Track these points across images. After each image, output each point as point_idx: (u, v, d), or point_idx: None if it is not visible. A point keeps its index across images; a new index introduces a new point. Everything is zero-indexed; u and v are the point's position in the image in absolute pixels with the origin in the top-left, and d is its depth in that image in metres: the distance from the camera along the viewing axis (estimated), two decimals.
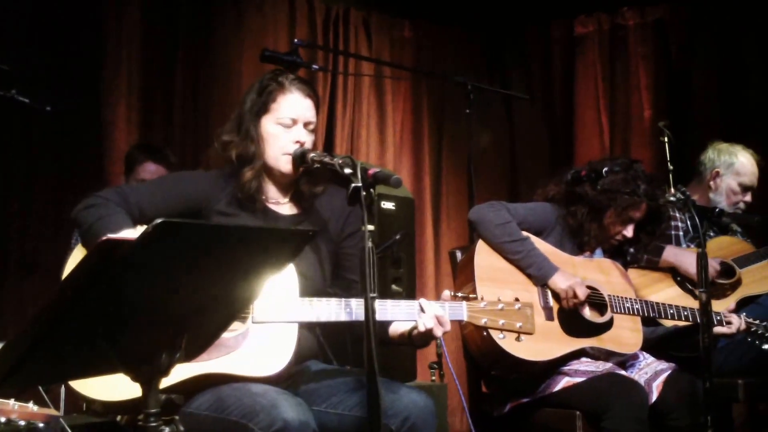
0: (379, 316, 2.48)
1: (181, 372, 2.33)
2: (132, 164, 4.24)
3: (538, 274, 3.28)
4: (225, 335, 2.42)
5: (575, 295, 3.23)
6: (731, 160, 4.22)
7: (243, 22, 5.29)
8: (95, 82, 4.75)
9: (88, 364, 1.84)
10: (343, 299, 2.52)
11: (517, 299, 2.66)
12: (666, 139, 3.98)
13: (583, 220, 3.43)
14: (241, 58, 5.20)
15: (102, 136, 4.73)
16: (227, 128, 2.78)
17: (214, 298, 1.83)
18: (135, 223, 2.55)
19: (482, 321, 2.60)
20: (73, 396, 2.56)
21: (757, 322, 3.54)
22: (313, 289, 2.61)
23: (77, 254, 2.55)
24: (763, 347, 3.52)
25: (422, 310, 2.52)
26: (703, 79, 5.69)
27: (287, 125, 2.69)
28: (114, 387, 2.26)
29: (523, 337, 2.63)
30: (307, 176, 2.75)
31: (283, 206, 2.78)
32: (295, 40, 3.70)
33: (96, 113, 4.74)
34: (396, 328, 2.65)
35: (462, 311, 2.59)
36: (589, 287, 3.31)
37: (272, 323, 2.49)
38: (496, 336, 2.72)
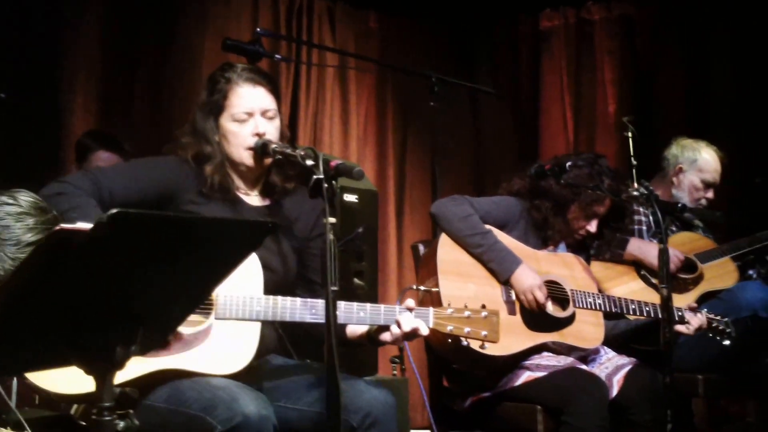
0: (345, 320, 2.48)
1: (141, 367, 2.29)
2: (84, 153, 4.12)
3: (500, 269, 3.27)
4: (186, 330, 2.39)
5: (535, 299, 3.24)
6: (694, 156, 4.23)
7: (206, 9, 5.22)
8: (53, 69, 4.66)
9: (41, 357, 1.79)
10: (308, 299, 2.49)
11: (484, 306, 2.65)
12: (630, 135, 3.98)
13: (547, 215, 3.43)
14: (203, 46, 5.13)
15: (59, 124, 4.64)
16: (185, 129, 2.74)
17: (171, 290, 1.79)
18: (105, 209, 2.48)
19: (448, 328, 2.60)
20: (27, 388, 2.50)
21: (718, 317, 3.56)
22: (278, 282, 2.59)
23: None
24: (723, 343, 3.54)
25: (399, 324, 2.50)
26: (668, 74, 5.73)
27: (243, 120, 2.65)
28: (70, 380, 2.22)
29: (486, 344, 2.63)
30: (276, 168, 2.72)
31: (252, 198, 2.75)
32: (258, 30, 3.65)
33: (53, 100, 4.64)
34: (354, 329, 2.63)
35: (428, 318, 2.57)
36: (551, 282, 3.32)
37: (235, 320, 2.45)
38: (462, 341, 2.72)
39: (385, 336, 2.55)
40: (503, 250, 3.29)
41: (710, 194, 4.23)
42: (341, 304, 2.44)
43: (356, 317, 2.51)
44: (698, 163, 4.22)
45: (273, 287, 2.53)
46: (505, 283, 3.29)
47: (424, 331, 2.53)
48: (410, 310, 2.54)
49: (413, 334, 2.52)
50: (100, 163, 4.01)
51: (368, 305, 2.54)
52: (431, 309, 2.59)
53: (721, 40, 5.59)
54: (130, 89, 4.95)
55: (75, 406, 2.43)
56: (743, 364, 3.92)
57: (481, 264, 3.29)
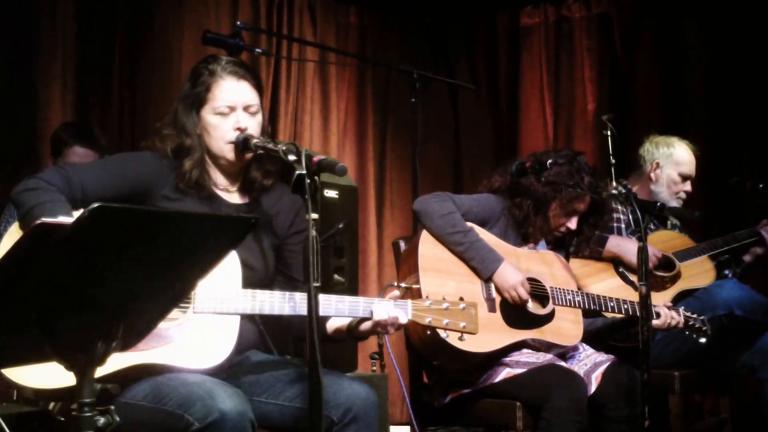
0: (324, 312, 2.46)
1: (118, 362, 2.27)
2: (59, 147, 4.06)
3: (481, 267, 3.27)
4: (165, 325, 2.37)
5: (518, 296, 3.25)
6: (669, 150, 4.28)
7: (184, 1, 5.18)
8: (29, 60, 4.61)
9: (20, 353, 1.79)
10: (287, 292, 2.48)
11: (461, 299, 2.66)
12: (609, 133, 4.01)
13: (528, 212, 3.44)
14: (181, 38, 5.10)
15: (36, 116, 4.59)
16: (166, 121, 2.71)
17: (152, 285, 1.78)
18: (77, 205, 2.46)
19: (426, 320, 2.59)
20: (4, 384, 2.47)
21: (695, 316, 3.58)
22: (256, 280, 2.57)
23: (12, 235, 2.46)
24: (700, 341, 3.57)
25: (377, 312, 2.50)
26: (645, 73, 5.77)
27: (225, 113, 2.62)
28: (47, 374, 2.19)
29: (465, 336, 2.64)
30: (256, 163, 2.70)
31: (231, 194, 2.73)
32: (238, 23, 3.63)
33: (30, 92, 4.60)
34: (334, 324, 2.62)
35: (407, 310, 2.57)
36: (531, 279, 3.33)
37: (214, 314, 2.44)
38: (441, 334, 2.72)
39: (365, 325, 2.53)
40: (485, 248, 3.29)
41: (688, 186, 4.27)
42: (320, 297, 2.42)
43: (335, 308, 2.50)
44: (674, 156, 4.27)
45: (252, 285, 2.51)
46: (487, 281, 3.29)
47: (403, 319, 2.53)
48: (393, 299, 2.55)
49: (392, 324, 2.51)
50: (75, 159, 3.96)
51: (347, 297, 2.53)
52: (409, 301, 2.59)
53: (696, 39, 5.64)
54: (106, 80, 4.91)
55: (53, 402, 2.41)
56: (718, 361, 3.96)
57: (462, 261, 3.29)
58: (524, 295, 3.27)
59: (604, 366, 3.36)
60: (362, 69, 5.91)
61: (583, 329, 3.44)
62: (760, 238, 4.22)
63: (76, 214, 2.35)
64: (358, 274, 4.17)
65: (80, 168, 2.61)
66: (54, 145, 4.13)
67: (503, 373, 3.25)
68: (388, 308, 2.51)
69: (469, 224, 3.34)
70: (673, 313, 3.52)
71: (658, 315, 3.49)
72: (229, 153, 2.64)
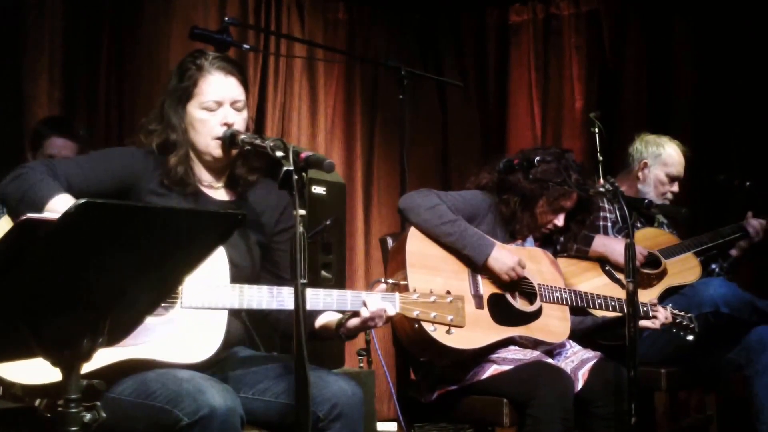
0: (312, 306, 2.46)
1: (105, 357, 2.26)
2: (38, 140, 4.03)
3: (475, 253, 3.26)
4: (152, 320, 2.36)
5: (516, 274, 3.27)
6: (658, 151, 4.28)
7: None
8: (16, 55, 4.59)
9: (6, 349, 1.78)
10: (274, 287, 2.48)
11: (449, 292, 2.66)
12: (597, 130, 4.02)
13: (515, 209, 3.44)
14: (169, 33, 5.09)
15: (22, 112, 4.57)
16: (152, 116, 2.69)
17: (139, 281, 1.77)
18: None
19: (414, 313, 2.60)
20: None
21: (682, 313, 3.60)
22: (242, 277, 2.56)
23: (3, 226, 2.45)
24: (687, 338, 3.58)
25: (365, 305, 2.50)
26: (633, 71, 5.79)
27: (212, 108, 2.61)
28: (34, 370, 2.19)
29: (453, 330, 2.64)
30: (242, 159, 2.69)
31: (217, 191, 2.72)
32: (226, 18, 3.62)
33: (16, 87, 4.57)
34: (322, 321, 2.62)
35: (394, 302, 2.57)
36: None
37: (201, 309, 2.43)
38: (428, 328, 2.72)
39: (354, 321, 2.53)
40: (475, 234, 3.28)
41: (675, 188, 4.28)
42: (308, 291, 2.42)
43: (323, 302, 2.50)
44: (662, 157, 4.27)
45: (238, 282, 2.50)
46: (481, 269, 3.29)
47: (391, 311, 2.53)
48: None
49: (380, 316, 2.51)
50: (54, 150, 3.93)
51: (335, 291, 2.53)
52: (397, 294, 2.59)
53: (684, 37, 5.66)
54: (94, 75, 4.90)
55: (39, 399, 2.40)
56: (704, 358, 3.98)
57: (453, 253, 3.28)
58: (521, 272, 3.28)
59: (591, 363, 3.37)
60: (350, 65, 5.91)
61: (571, 327, 3.45)
62: (745, 232, 4.24)
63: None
64: (345, 270, 4.18)
65: (65, 162, 2.60)
66: (32, 138, 4.10)
67: (490, 370, 3.25)
68: (376, 300, 2.51)
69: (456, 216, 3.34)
70: (663, 311, 3.54)
71: (656, 318, 3.49)
72: (215, 149, 2.63)
